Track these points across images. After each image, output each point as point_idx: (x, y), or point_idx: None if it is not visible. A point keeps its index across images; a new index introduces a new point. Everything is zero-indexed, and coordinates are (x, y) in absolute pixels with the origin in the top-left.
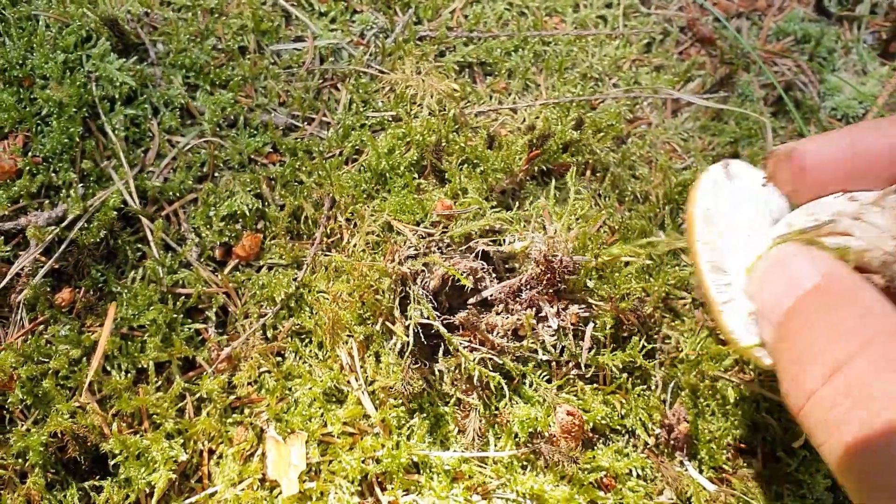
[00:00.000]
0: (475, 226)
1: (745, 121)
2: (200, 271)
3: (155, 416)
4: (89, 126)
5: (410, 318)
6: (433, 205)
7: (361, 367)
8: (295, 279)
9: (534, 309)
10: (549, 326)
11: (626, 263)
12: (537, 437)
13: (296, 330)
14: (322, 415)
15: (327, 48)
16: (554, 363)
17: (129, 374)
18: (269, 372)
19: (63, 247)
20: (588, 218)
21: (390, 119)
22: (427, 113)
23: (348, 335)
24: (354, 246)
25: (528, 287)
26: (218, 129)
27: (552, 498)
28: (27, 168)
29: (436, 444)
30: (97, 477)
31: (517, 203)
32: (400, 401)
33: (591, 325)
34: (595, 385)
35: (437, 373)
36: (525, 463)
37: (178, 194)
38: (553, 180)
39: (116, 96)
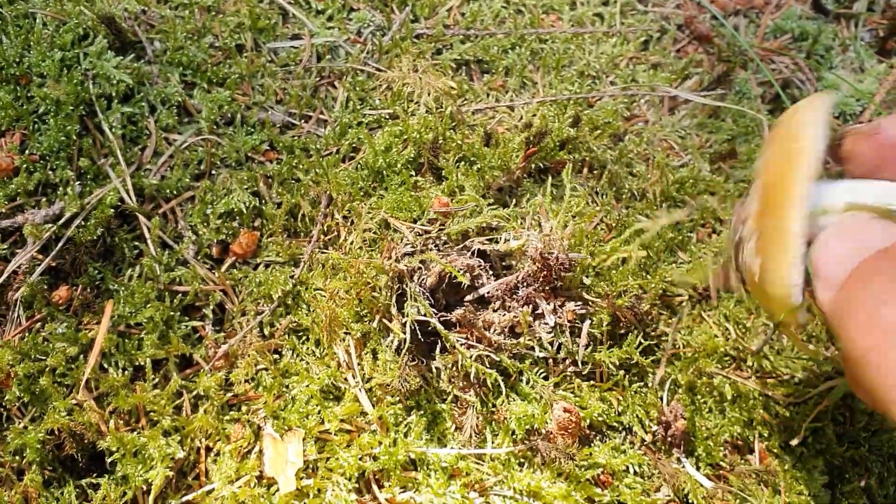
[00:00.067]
0: (472, 223)
1: (743, 118)
2: (197, 269)
3: (152, 413)
4: (86, 124)
5: (407, 316)
6: (430, 202)
7: (358, 364)
8: (292, 277)
9: (530, 306)
10: (546, 324)
11: (623, 260)
12: (534, 434)
13: (293, 327)
14: (319, 412)
15: (324, 46)
16: (551, 360)
17: (126, 372)
18: (266, 369)
19: (60, 244)
20: (584, 215)
21: (387, 117)
22: (424, 110)
23: (345, 332)
24: (351, 243)
25: (525, 284)
26: (215, 127)
27: (549, 494)
28: (24, 166)
29: (433, 441)
30: (94, 474)
31: (514, 200)
32: (397, 398)
33: (587, 322)
34: (592, 382)
35: (434, 370)
36: (522, 460)
37: (175, 192)
38: (550, 178)
39: (113, 94)
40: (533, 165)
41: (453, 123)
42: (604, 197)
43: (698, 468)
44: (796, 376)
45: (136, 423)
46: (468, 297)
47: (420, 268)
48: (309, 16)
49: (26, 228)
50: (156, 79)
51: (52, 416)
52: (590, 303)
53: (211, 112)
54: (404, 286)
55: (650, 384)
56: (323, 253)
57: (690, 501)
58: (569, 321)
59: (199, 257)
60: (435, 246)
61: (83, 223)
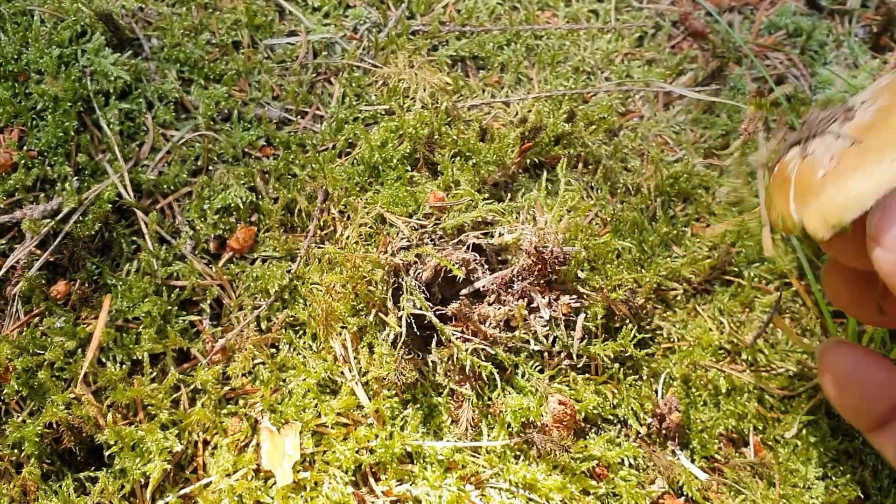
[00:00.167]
0: (467, 217)
1: (737, 113)
2: (195, 264)
3: (150, 407)
4: (84, 120)
5: (403, 309)
6: (426, 197)
7: (355, 358)
8: (289, 271)
9: (525, 300)
10: (541, 317)
11: (618, 255)
12: (530, 427)
13: (290, 321)
14: (316, 405)
15: (321, 42)
16: (546, 353)
17: (123, 366)
18: (263, 363)
19: (58, 240)
20: (578, 209)
21: (383, 112)
22: (420, 106)
23: (342, 326)
24: (348, 238)
25: (520, 278)
26: (212, 123)
27: (545, 487)
28: (23, 162)
29: (429, 435)
30: (92, 468)
31: (509, 195)
32: (393, 391)
33: (582, 315)
34: (587, 375)
35: (430, 363)
36: (518, 452)
37: (172, 187)
38: (545, 172)
39: (111, 91)
40: (528, 160)
41: (449, 119)
42: (598, 192)
43: (693, 461)
44: (791, 370)
45: (133, 416)
46: (464, 291)
47: (416, 262)
48: (305, 13)
49: (25, 224)
50: (153, 75)
51: (50, 410)
52: (584, 296)
53: (208, 108)
54: (400, 280)
55: (645, 377)
56: (319, 248)
57: (685, 494)
58: (564, 314)
59: (196, 252)
60: (430, 240)
61: (81, 218)
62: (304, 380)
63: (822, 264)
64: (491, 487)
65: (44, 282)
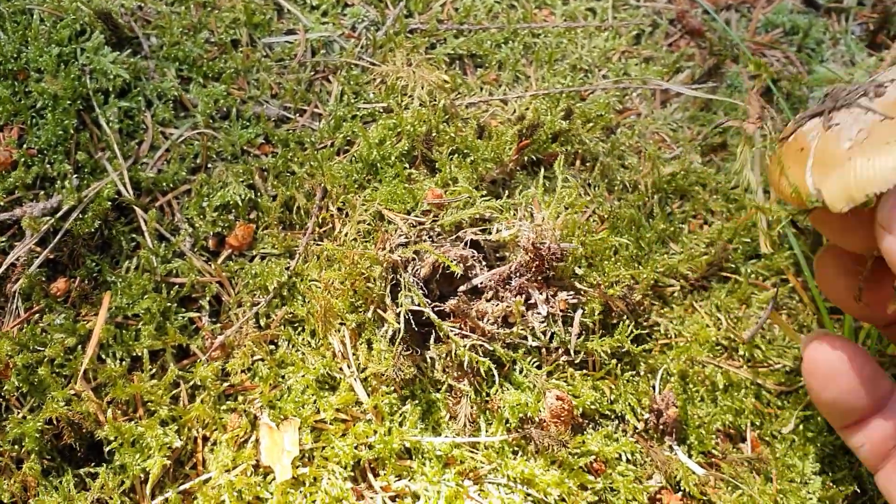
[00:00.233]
0: (465, 214)
1: (734, 111)
2: (194, 261)
3: (149, 403)
4: (84, 118)
5: (401, 306)
6: (424, 194)
7: (353, 354)
8: (287, 268)
9: (523, 296)
10: (539, 313)
11: (615, 251)
12: (528, 423)
13: (288, 318)
14: (315, 402)
15: (319, 41)
16: (543, 349)
17: (123, 362)
18: (262, 360)
19: (58, 237)
20: (575, 205)
21: (381, 110)
22: (418, 104)
23: (340, 323)
24: (346, 235)
25: (518, 274)
26: (211, 121)
27: (543, 482)
28: (22, 160)
29: (428, 430)
30: (92, 463)
31: (507, 192)
32: (392, 387)
33: (579, 311)
34: (584, 371)
35: (428, 360)
36: (516, 448)
37: (171, 185)
38: (542, 170)
39: (110, 89)
40: (525, 158)
41: (447, 116)
42: (596, 189)
43: (690, 456)
44: (788, 366)
45: (133, 412)
46: (462, 288)
47: (414, 258)
48: (303, 11)
49: (24, 221)
50: (152, 74)
51: (50, 406)
52: (582, 292)
53: (207, 106)
54: (398, 277)
55: (642, 373)
56: (318, 245)
57: (683, 489)
58: (561, 311)
59: (195, 249)
60: (429, 237)
61: (81, 216)
62: (303, 376)
63: (815, 258)
64: (489, 483)
65: (44, 279)
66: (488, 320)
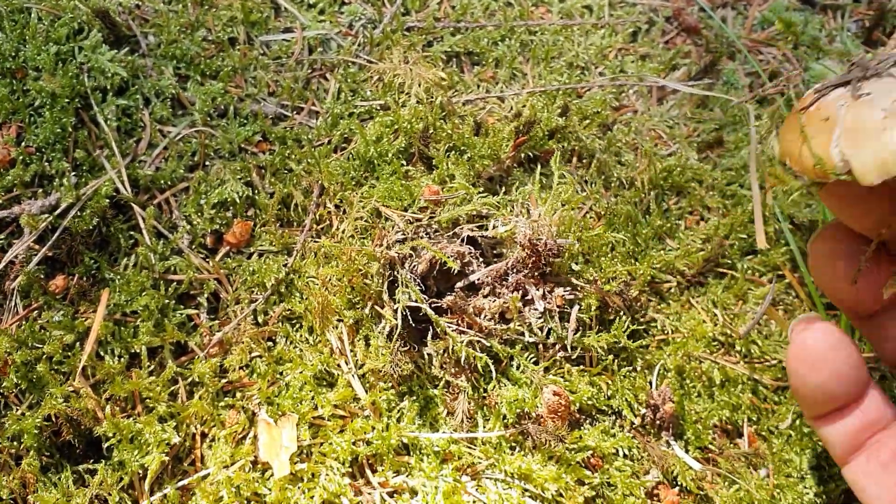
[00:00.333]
0: (462, 211)
1: (730, 108)
2: (192, 258)
3: (148, 399)
4: (82, 116)
5: (399, 302)
6: (421, 191)
7: (351, 350)
8: (285, 265)
9: (520, 292)
10: (536, 309)
11: (612, 247)
12: (525, 418)
13: (286, 315)
14: (313, 398)
15: (316, 39)
16: (540, 345)
17: (122, 359)
18: (260, 356)
19: (56, 234)
20: (571, 201)
21: (378, 108)
22: (415, 101)
23: (338, 319)
24: (343, 232)
25: (515, 270)
26: (208, 119)
27: (540, 477)
28: (21, 158)
29: (425, 426)
30: (91, 460)
31: (503, 189)
32: (389, 384)
33: (576, 307)
34: (581, 366)
35: (425, 356)
36: (513, 443)
37: (169, 183)
38: (539, 166)
39: (108, 87)
40: (522, 154)
41: (444, 114)
42: (592, 185)
43: (687, 451)
44: (784, 361)
45: (132, 409)
46: (459, 284)
47: (411, 255)
48: (301, 9)
49: (23, 219)
50: (150, 72)
51: (49, 403)
52: (579, 288)
53: (204, 104)
54: (396, 273)
55: (639, 369)
56: (315, 241)
57: (679, 484)
58: (558, 306)
59: (193, 247)
60: (426, 233)
61: (79, 213)
62: (301, 372)
63: (811, 238)
64: (487, 478)
65: (42, 276)
66: (485, 316)
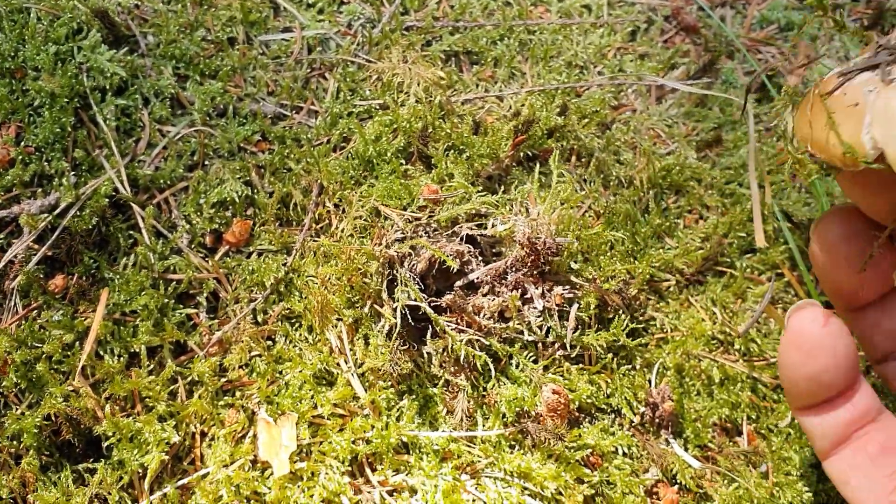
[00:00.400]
0: (461, 210)
1: (729, 107)
2: (191, 257)
3: (147, 399)
4: (81, 116)
5: (398, 301)
6: (420, 190)
7: (351, 349)
8: (284, 264)
9: (519, 290)
10: (535, 308)
11: (611, 246)
12: (524, 417)
13: (286, 314)
14: (312, 397)
15: (315, 38)
16: (540, 344)
17: (121, 359)
18: (259, 355)
19: (56, 234)
20: (570, 200)
21: (377, 107)
22: (414, 101)
23: (337, 318)
24: (343, 231)
25: (514, 269)
26: (208, 119)
27: (539, 476)
28: (20, 157)
29: (425, 425)
30: (91, 459)
31: (502, 188)
32: (389, 382)
33: (575, 305)
34: (580, 365)
35: (425, 355)
36: (513, 442)
37: (168, 182)
38: (538, 165)
39: (107, 87)
40: (521, 153)
41: (443, 113)
42: (591, 184)
43: (687, 449)
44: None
45: (131, 408)
46: (458, 283)
47: (410, 254)
48: (300, 9)
49: (22, 218)
50: (149, 71)
51: (48, 402)
52: (578, 287)
53: (203, 104)
54: (395, 272)
55: (638, 367)
56: (315, 240)
57: (679, 482)
58: (557, 305)
59: (192, 246)
60: (425, 232)
61: (78, 213)
62: (301, 371)
63: (816, 221)
64: (486, 477)
65: (42, 276)
66: (485, 315)
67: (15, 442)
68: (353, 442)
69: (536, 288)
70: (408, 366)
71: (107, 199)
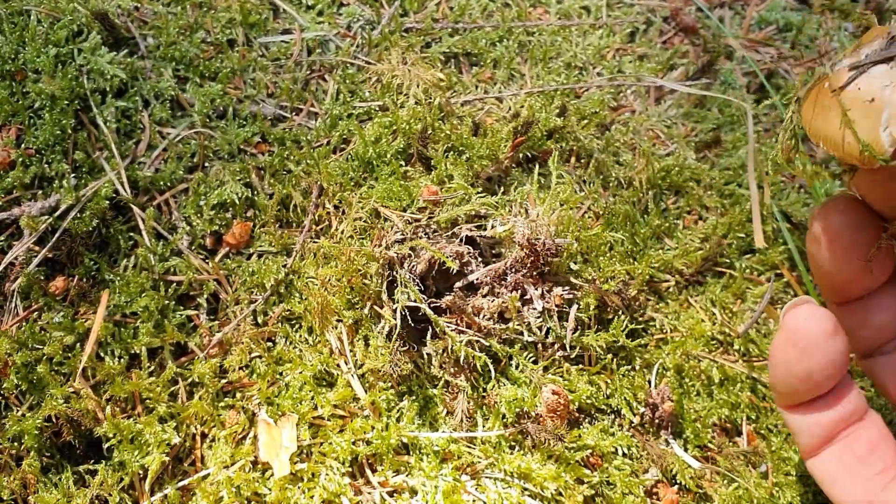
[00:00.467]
0: (461, 211)
1: (728, 107)
2: (191, 259)
3: (148, 400)
4: (81, 118)
5: (398, 302)
6: (419, 191)
7: (351, 350)
8: (284, 266)
9: (519, 291)
10: (534, 308)
11: (610, 247)
12: (524, 417)
13: (286, 315)
14: (312, 398)
15: (315, 40)
16: (539, 344)
17: (122, 360)
18: (260, 357)
19: (56, 236)
20: (569, 201)
21: (377, 108)
22: (413, 102)
23: (337, 319)
24: (342, 232)
25: (513, 270)
26: (208, 121)
27: (539, 476)
28: (21, 159)
29: (425, 426)
30: (91, 460)
31: (502, 189)
32: (389, 383)
33: (575, 306)
34: (580, 365)
35: (425, 356)
36: (513, 443)
37: (168, 184)
38: (537, 166)
39: (107, 89)
40: (520, 155)
41: (442, 114)
42: (590, 185)
43: (686, 450)
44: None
45: (132, 410)
46: (458, 284)
47: (410, 255)
48: (299, 11)
49: (23, 220)
50: (149, 74)
51: (49, 404)
52: (577, 287)
53: (203, 106)
54: (395, 273)
55: (637, 368)
56: (314, 242)
57: (679, 482)
58: (556, 306)
59: (192, 248)
60: (424, 234)
61: (79, 215)
62: (301, 372)
63: (817, 207)
64: (486, 477)
65: (42, 278)
66: (484, 316)
67: (16, 443)
68: (354, 443)
69: (536, 289)
70: (408, 367)
71: (107, 201)
